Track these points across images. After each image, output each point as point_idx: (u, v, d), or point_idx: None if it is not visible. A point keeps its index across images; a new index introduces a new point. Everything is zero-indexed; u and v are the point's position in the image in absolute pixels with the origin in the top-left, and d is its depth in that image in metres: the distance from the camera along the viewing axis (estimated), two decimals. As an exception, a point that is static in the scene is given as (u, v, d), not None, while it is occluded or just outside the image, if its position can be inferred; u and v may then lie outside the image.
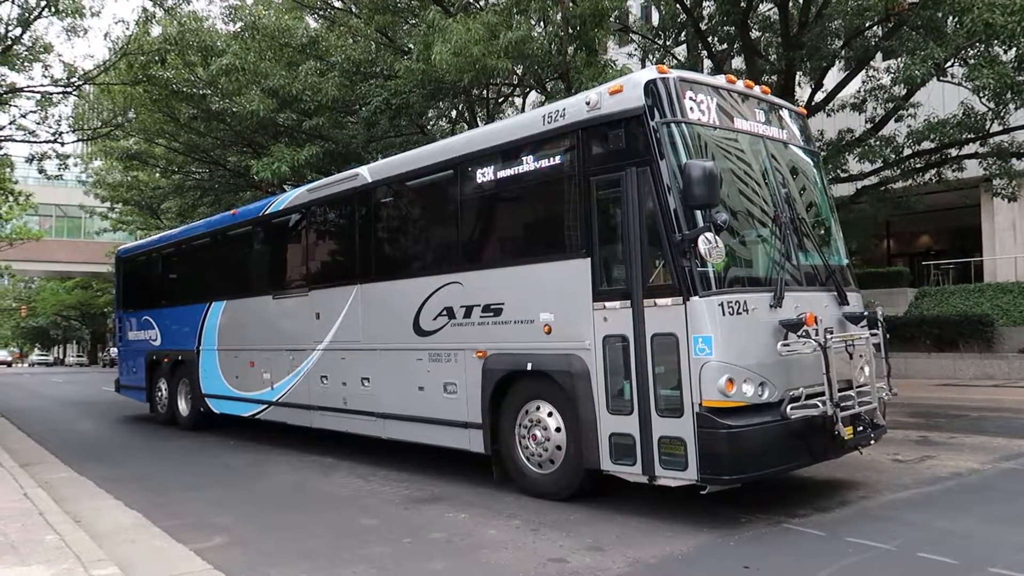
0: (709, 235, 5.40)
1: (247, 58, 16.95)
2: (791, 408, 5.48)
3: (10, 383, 31.69)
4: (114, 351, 21.15)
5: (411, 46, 17.11)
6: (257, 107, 17.35)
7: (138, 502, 6.87)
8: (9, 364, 69.06)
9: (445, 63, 12.59)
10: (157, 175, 28.33)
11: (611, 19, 14.75)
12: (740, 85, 6.52)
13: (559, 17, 13.66)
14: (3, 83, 17.63)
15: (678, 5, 16.76)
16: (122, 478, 8.24)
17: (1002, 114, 14.84)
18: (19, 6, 15.17)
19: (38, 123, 19.70)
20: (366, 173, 8.77)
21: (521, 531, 5.62)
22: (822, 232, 6.89)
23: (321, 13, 20.68)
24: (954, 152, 16.58)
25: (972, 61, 11.86)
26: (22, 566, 4.71)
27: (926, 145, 15.81)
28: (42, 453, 10.18)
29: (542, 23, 14.45)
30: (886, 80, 16.37)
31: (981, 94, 12.30)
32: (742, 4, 15.26)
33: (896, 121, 16.71)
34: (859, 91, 17.65)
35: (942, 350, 17.70)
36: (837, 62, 17.24)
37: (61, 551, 5.02)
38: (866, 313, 6.45)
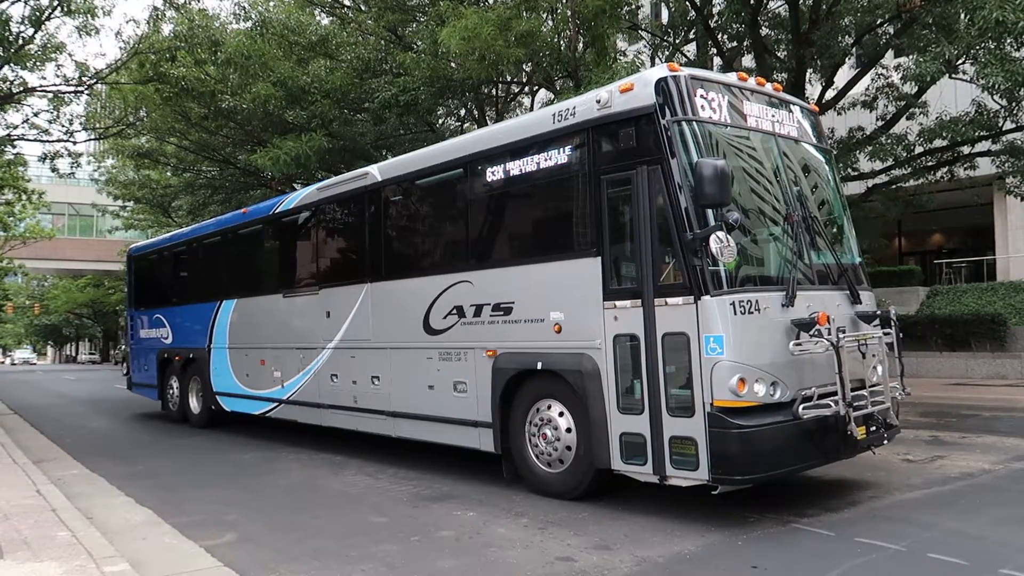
0: (721, 234, 5.37)
1: (254, 47, 16.93)
2: (803, 408, 5.46)
3: (24, 380, 31.96)
4: (126, 348, 21.27)
5: (419, 43, 17.11)
6: (265, 95, 17.29)
7: (149, 499, 6.92)
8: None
9: (455, 46, 12.53)
10: (168, 173, 28.50)
11: (622, 11, 14.66)
12: (751, 82, 6.49)
13: (568, 14, 13.62)
14: (16, 82, 17.74)
15: (688, 3, 16.68)
16: (134, 475, 8.30)
17: (1015, 111, 14.71)
18: (31, 6, 15.25)
19: (51, 122, 19.86)
20: (376, 172, 8.79)
21: (529, 529, 5.62)
22: (834, 230, 6.85)
23: (331, 11, 20.71)
24: (966, 150, 16.45)
25: (983, 59, 11.73)
26: (35, 562, 4.75)
27: (938, 143, 15.69)
28: (55, 450, 10.26)
29: (551, 19, 14.40)
30: (897, 78, 16.29)
31: (992, 92, 12.19)
32: (751, 1, 15.17)
33: (907, 119, 16.58)
34: (869, 88, 17.52)
35: (954, 349, 17.58)
36: (848, 59, 17.09)
37: (73, 548, 5.06)
38: (879, 312, 6.41)
